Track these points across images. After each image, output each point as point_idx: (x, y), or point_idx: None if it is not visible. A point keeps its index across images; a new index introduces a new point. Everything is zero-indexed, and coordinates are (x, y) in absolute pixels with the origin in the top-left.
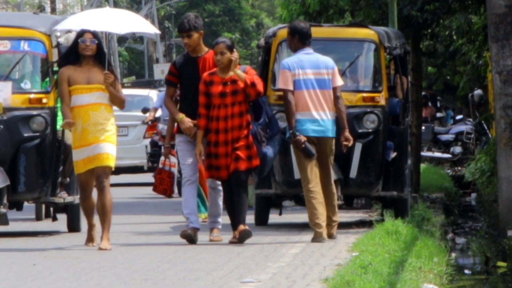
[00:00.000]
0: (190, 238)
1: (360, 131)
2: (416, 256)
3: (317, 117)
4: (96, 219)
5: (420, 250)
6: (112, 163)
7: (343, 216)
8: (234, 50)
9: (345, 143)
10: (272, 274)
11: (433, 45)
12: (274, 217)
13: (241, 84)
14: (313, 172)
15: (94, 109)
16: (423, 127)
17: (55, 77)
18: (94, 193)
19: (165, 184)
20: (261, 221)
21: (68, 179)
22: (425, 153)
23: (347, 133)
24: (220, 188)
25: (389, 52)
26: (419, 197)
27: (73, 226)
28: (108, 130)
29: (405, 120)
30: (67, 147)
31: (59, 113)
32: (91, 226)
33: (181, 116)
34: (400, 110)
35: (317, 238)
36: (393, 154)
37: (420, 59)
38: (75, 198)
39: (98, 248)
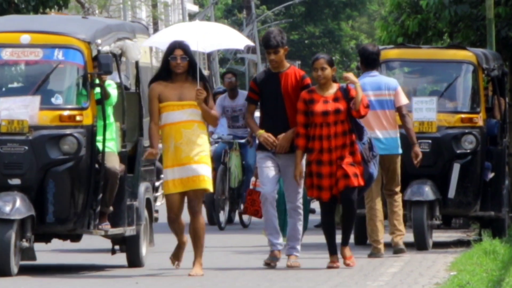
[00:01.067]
0: (271, 266)
1: (458, 151)
2: None
3: (380, 136)
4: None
5: None
6: (207, 185)
7: (441, 236)
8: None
9: (416, 158)
10: None
11: None
12: None
13: (343, 103)
14: (375, 190)
15: (186, 126)
16: None
17: (95, 90)
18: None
19: (257, 205)
20: (361, 240)
21: (111, 208)
22: None
23: (416, 148)
24: (301, 211)
25: (487, 73)
26: None
27: (132, 261)
28: (203, 149)
29: (502, 140)
30: (108, 171)
31: (101, 131)
32: (180, 244)
33: (260, 131)
34: (498, 131)
35: (375, 254)
36: (491, 175)
37: None
38: (126, 230)
39: (188, 275)
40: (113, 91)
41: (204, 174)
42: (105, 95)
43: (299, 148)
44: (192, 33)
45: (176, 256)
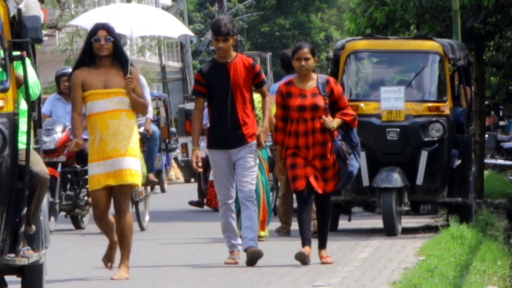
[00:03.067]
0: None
1: (426, 139)
2: (480, 260)
3: None
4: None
5: (485, 253)
6: (135, 180)
7: (410, 221)
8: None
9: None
10: (342, 278)
11: (496, 56)
12: (343, 223)
13: (322, 99)
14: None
15: (113, 116)
16: (486, 135)
17: (16, 66)
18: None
19: (210, 194)
20: (331, 227)
21: (34, 228)
22: (488, 161)
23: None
24: (254, 200)
25: (453, 63)
26: (483, 202)
27: None
28: (130, 141)
29: (469, 128)
30: (36, 176)
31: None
32: (111, 244)
33: (194, 147)
34: (464, 119)
35: (283, 234)
36: (457, 162)
37: (483, 69)
38: (41, 256)
39: (111, 278)
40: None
41: (131, 167)
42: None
43: (277, 144)
44: (127, 15)
45: (108, 257)
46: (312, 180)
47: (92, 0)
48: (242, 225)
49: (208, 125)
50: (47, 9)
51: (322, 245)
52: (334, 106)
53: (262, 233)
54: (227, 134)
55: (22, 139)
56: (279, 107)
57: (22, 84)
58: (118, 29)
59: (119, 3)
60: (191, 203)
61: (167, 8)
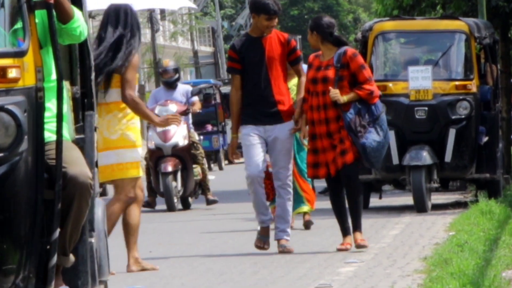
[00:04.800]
0: (264, 249)
1: (453, 117)
2: (509, 234)
3: None
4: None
5: None
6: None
7: (439, 198)
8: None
9: None
10: (374, 254)
11: None
12: (374, 201)
13: (333, 71)
14: None
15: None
16: None
17: (40, 17)
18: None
19: (267, 187)
20: (363, 205)
21: (72, 258)
22: None
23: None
24: (290, 189)
25: (479, 41)
26: (511, 178)
27: None
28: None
29: (496, 105)
30: (73, 181)
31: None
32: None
33: (234, 135)
34: (491, 97)
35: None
36: (485, 138)
37: (509, 47)
38: None
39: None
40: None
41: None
42: (64, 16)
43: (304, 112)
44: None
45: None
46: (332, 165)
47: None
48: (276, 213)
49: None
50: None
51: (355, 227)
52: (355, 80)
53: (307, 208)
54: (261, 110)
55: (51, 126)
56: (307, 80)
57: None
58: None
59: None
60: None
61: None
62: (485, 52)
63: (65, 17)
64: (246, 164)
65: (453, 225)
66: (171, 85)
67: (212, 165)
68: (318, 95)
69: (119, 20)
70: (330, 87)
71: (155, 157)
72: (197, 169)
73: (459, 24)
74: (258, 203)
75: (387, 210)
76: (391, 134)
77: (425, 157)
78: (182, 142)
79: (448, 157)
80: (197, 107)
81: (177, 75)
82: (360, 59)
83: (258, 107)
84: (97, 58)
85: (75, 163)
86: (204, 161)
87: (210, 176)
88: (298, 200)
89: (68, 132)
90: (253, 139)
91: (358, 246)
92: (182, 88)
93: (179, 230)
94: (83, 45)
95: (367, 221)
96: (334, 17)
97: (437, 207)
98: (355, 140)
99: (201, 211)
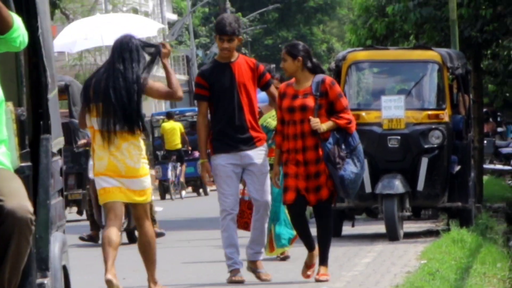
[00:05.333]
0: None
1: (426, 146)
2: (480, 263)
3: None
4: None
5: (484, 256)
6: None
7: (411, 226)
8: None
9: None
10: (346, 282)
11: (493, 64)
12: (347, 229)
13: (312, 100)
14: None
15: None
16: (485, 142)
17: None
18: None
19: (246, 216)
20: (335, 233)
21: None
22: (487, 166)
23: None
24: (268, 212)
25: (451, 72)
26: (482, 207)
27: None
28: None
29: (468, 135)
30: (11, 215)
31: None
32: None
33: (202, 160)
34: (463, 126)
35: None
36: (457, 168)
37: (481, 77)
38: None
39: None
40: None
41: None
42: (2, 25)
43: (276, 147)
44: (94, 28)
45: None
46: (305, 195)
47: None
48: (251, 236)
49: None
50: (56, 25)
51: (322, 261)
52: (332, 109)
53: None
54: (235, 137)
55: None
56: (279, 109)
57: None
58: (90, 43)
59: (90, 17)
60: (82, 238)
61: (173, 23)
62: (458, 82)
63: (3, 27)
64: (219, 198)
65: (424, 253)
66: None
67: (201, 191)
68: (296, 124)
69: (123, 52)
70: (311, 116)
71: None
72: None
73: (432, 54)
74: (229, 242)
75: (359, 238)
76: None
77: (398, 185)
78: None
79: (420, 186)
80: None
81: None
82: (338, 87)
83: (231, 133)
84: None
85: (13, 195)
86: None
87: (158, 208)
88: (284, 237)
89: (8, 159)
90: (227, 170)
91: (317, 280)
92: None
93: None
94: (38, 61)
95: (339, 249)
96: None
97: (409, 235)
98: (333, 172)
99: (176, 239)
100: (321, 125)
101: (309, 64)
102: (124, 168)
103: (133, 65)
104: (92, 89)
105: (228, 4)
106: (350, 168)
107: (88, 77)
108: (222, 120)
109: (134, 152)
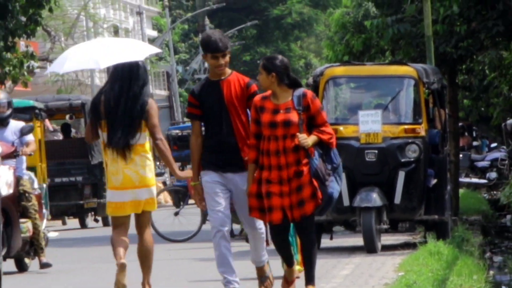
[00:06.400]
0: None
1: (403, 160)
2: (457, 275)
3: None
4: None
5: (461, 268)
6: None
7: (389, 239)
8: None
9: None
10: None
11: (468, 79)
12: (325, 242)
13: (296, 114)
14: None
15: None
16: (461, 155)
17: None
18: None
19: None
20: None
21: None
22: (463, 179)
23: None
24: (262, 232)
25: (427, 87)
26: (459, 220)
27: None
28: None
29: (444, 149)
30: None
31: None
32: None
33: (194, 183)
34: (439, 140)
35: None
36: (433, 181)
37: (456, 92)
38: None
39: None
40: None
41: None
42: None
43: (249, 162)
44: (90, 52)
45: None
46: (288, 213)
47: (81, 33)
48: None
49: None
50: (38, 42)
51: (309, 280)
52: (312, 123)
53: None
54: (223, 157)
55: None
56: (253, 122)
57: None
58: (85, 65)
59: (85, 42)
60: None
61: (153, 40)
62: (434, 97)
63: None
64: (210, 215)
65: (402, 265)
66: (2, 122)
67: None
68: (278, 140)
69: (131, 74)
70: (297, 133)
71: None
72: (26, 224)
73: (407, 70)
74: (222, 260)
75: (337, 251)
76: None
77: (375, 198)
78: (6, 191)
79: (397, 199)
80: (30, 149)
81: (10, 110)
82: (318, 101)
83: (220, 154)
84: (115, 107)
85: None
86: (38, 215)
87: (52, 233)
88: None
89: None
90: (215, 186)
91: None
92: (14, 126)
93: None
94: None
95: (318, 261)
96: None
97: (386, 248)
98: (323, 189)
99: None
100: (308, 140)
101: (286, 80)
102: (138, 179)
103: (141, 86)
104: (103, 106)
105: (207, 21)
106: (335, 187)
107: (96, 95)
108: (211, 140)
109: (146, 163)
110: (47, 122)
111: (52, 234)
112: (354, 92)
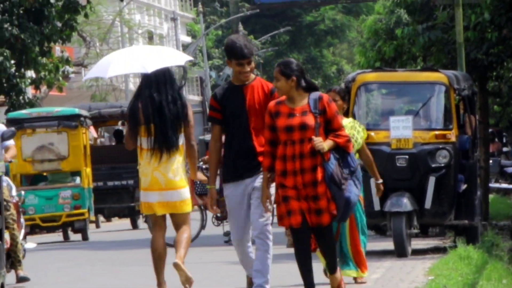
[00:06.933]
0: None
1: (433, 165)
2: (486, 279)
3: None
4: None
5: (490, 273)
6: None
7: (419, 243)
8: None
9: None
10: None
11: (498, 85)
12: None
13: (312, 118)
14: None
15: None
16: (491, 161)
17: None
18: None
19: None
20: None
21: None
22: (493, 185)
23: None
24: (269, 240)
25: (458, 93)
26: (488, 224)
27: None
28: None
29: (474, 155)
30: None
31: None
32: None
33: (210, 186)
34: (470, 146)
35: None
36: (463, 186)
37: (487, 98)
38: None
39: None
40: None
41: None
42: None
43: (264, 169)
44: (134, 57)
45: None
46: (308, 217)
47: (116, 38)
48: (253, 267)
49: None
50: (73, 47)
51: (333, 270)
52: (328, 127)
53: (362, 274)
54: (242, 163)
55: None
56: (268, 129)
57: None
58: (132, 69)
59: (125, 48)
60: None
61: (187, 45)
62: (464, 103)
63: None
64: (231, 229)
65: (432, 269)
66: None
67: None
68: (294, 144)
69: (165, 78)
70: (313, 136)
71: None
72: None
73: (439, 76)
74: (246, 262)
75: (368, 255)
76: (372, 181)
77: (406, 203)
78: None
79: (428, 204)
80: (10, 155)
81: None
82: (334, 105)
83: (239, 160)
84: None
85: None
86: (15, 225)
87: (30, 244)
88: (344, 260)
89: None
90: (234, 201)
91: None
92: None
93: None
94: None
95: None
96: (318, 69)
97: (417, 252)
98: (338, 194)
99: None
100: (324, 144)
101: (303, 83)
102: (164, 181)
103: (178, 90)
104: (141, 113)
105: (240, 27)
106: (354, 190)
107: (132, 102)
108: (231, 145)
109: (176, 166)
110: (91, 129)
111: (29, 245)
112: (385, 98)
